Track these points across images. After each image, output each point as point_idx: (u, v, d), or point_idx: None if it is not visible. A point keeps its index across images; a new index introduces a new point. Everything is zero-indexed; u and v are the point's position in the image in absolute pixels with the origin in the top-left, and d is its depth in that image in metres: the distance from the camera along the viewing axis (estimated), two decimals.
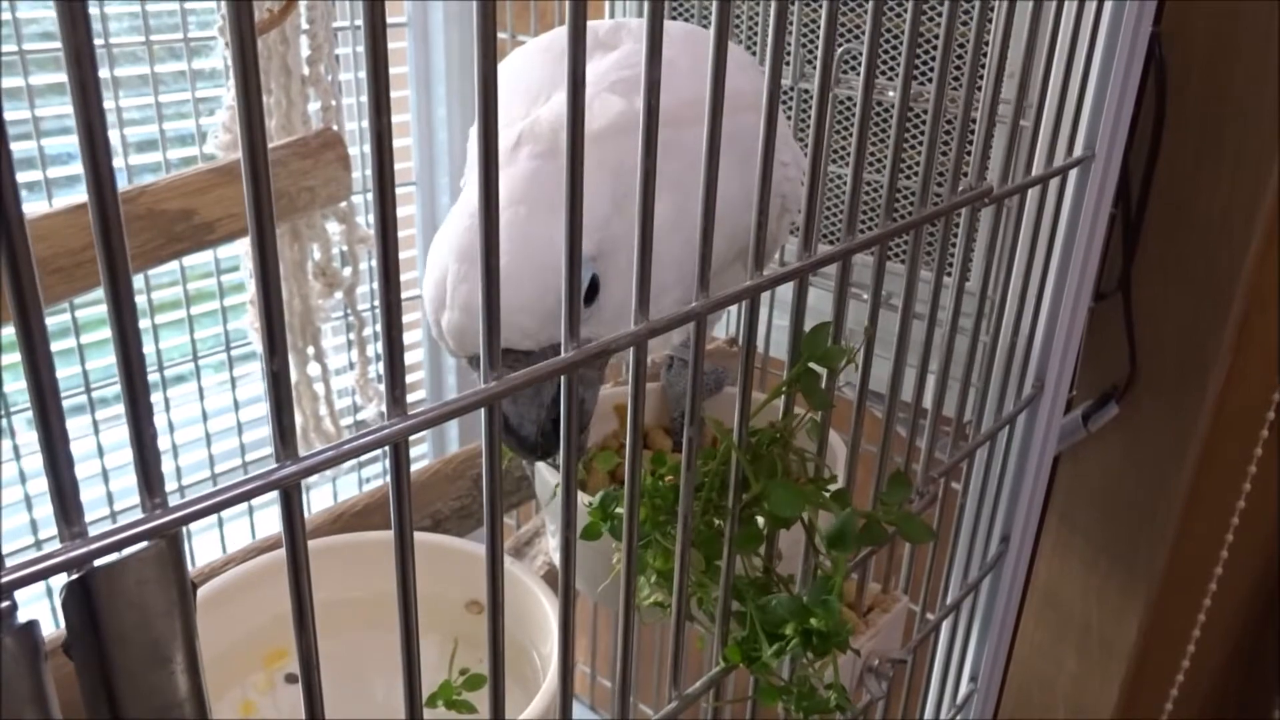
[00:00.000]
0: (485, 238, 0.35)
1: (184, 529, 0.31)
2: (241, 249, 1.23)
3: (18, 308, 0.26)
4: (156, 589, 0.30)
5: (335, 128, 1.12)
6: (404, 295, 0.35)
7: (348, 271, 1.28)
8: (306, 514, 0.98)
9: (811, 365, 0.57)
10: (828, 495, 0.61)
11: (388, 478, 1.34)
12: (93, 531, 0.29)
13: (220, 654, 0.66)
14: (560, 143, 0.58)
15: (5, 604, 0.27)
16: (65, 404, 0.29)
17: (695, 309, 0.45)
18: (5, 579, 0.27)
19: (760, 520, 0.59)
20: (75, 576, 0.29)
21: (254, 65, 0.28)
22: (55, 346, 1.19)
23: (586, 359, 0.40)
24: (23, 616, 0.28)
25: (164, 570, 0.30)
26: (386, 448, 0.35)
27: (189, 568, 0.31)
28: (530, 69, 0.72)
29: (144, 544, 0.29)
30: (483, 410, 0.37)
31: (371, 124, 0.31)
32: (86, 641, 0.29)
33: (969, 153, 0.67)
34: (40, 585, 0.29)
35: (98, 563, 0.29)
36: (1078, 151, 0.82)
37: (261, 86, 0.30)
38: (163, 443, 1.30)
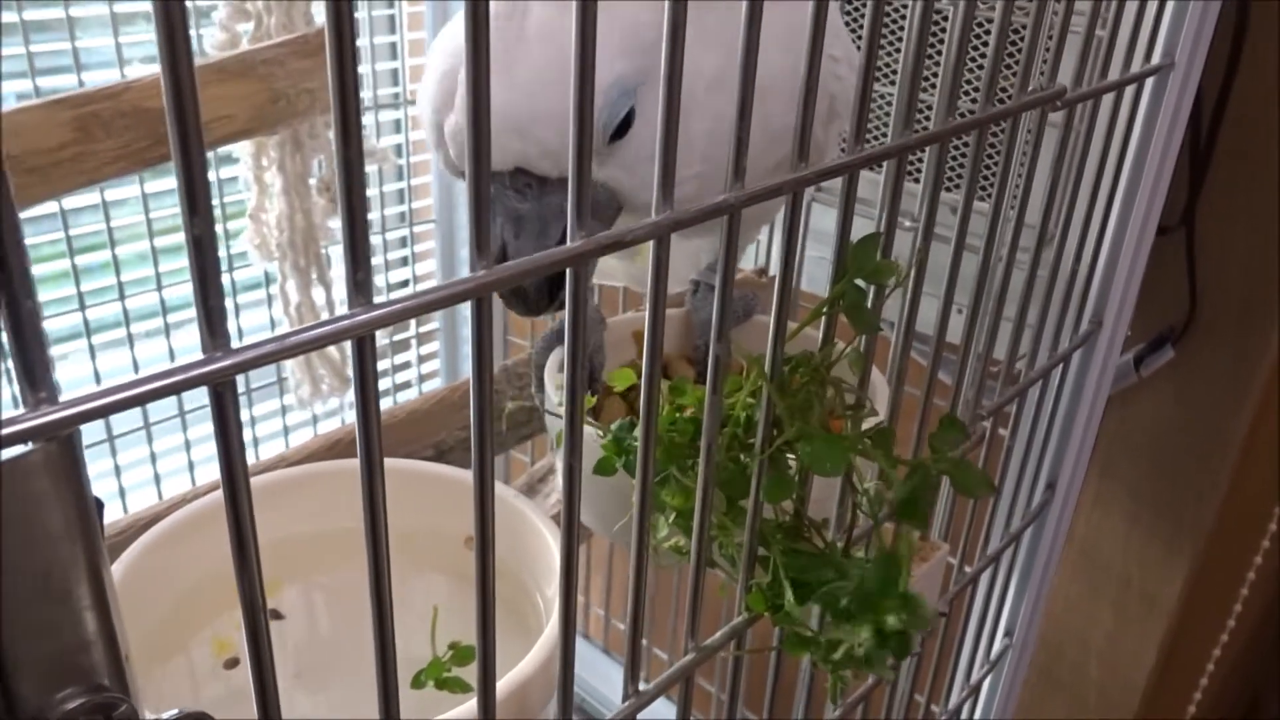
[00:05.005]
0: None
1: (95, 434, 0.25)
2: (243, 170, 1.15)
3: None
4: (49, 505, 0.24)
5: None
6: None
7: None
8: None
9: (857, 282, 0.50)
10: (869, 443, 0.54)
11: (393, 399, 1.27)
12: None
13: (190, 589, 0.60)
14: None
15: None
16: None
17: (728, 200, 0.38)
18: None
19: (792, 462, 0.52)
20: None
21: None
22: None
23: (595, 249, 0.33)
24: None
25: (58, 482, 0.24)
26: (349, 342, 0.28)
27: (89, 480, 0.25)
28: None
29: (28, 446, 0.23)
30: (470, 303, 0.31)
31: None
32: None
33: (1038, 59, 0.60)
34: None
35: None
36: (1155, 61, 0.73)
37: None
38: None
